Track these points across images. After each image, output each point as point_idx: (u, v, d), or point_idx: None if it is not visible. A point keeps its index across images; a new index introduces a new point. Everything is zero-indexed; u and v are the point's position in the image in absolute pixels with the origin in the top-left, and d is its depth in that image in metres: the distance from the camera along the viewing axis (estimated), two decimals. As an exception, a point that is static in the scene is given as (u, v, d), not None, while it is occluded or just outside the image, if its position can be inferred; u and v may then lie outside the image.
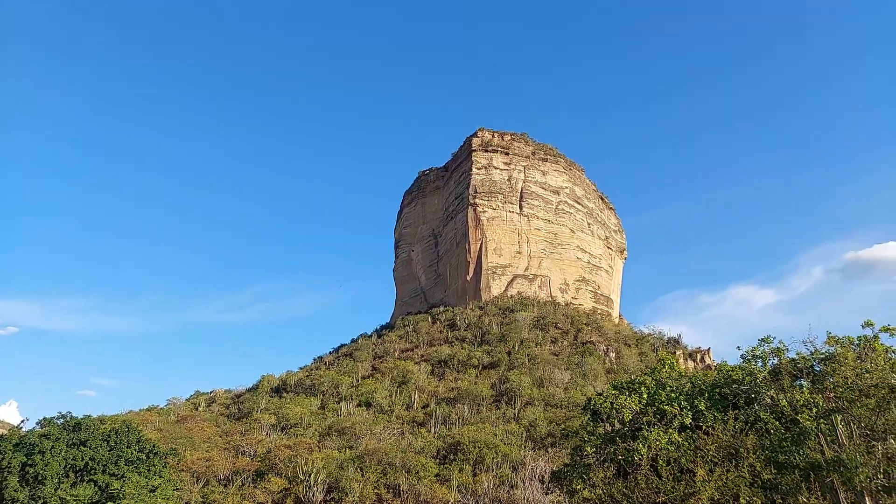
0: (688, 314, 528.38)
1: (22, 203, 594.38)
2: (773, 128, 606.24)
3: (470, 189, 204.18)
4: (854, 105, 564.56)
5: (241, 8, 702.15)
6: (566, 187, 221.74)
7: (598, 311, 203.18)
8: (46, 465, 54.13)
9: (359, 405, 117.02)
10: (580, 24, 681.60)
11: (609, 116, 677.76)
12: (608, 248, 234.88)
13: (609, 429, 35.84)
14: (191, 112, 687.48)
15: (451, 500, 68.68)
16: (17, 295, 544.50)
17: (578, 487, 32.35)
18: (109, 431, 63.03)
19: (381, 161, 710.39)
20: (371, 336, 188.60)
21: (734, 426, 29.14)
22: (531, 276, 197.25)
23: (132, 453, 60.00)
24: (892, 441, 23.42)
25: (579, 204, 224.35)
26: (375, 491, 69.43)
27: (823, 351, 31.26)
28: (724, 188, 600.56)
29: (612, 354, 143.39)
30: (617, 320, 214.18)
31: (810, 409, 28.04)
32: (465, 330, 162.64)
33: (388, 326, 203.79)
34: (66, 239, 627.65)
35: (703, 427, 30.85)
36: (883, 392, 25.37)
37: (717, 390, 33.74)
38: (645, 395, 34.73)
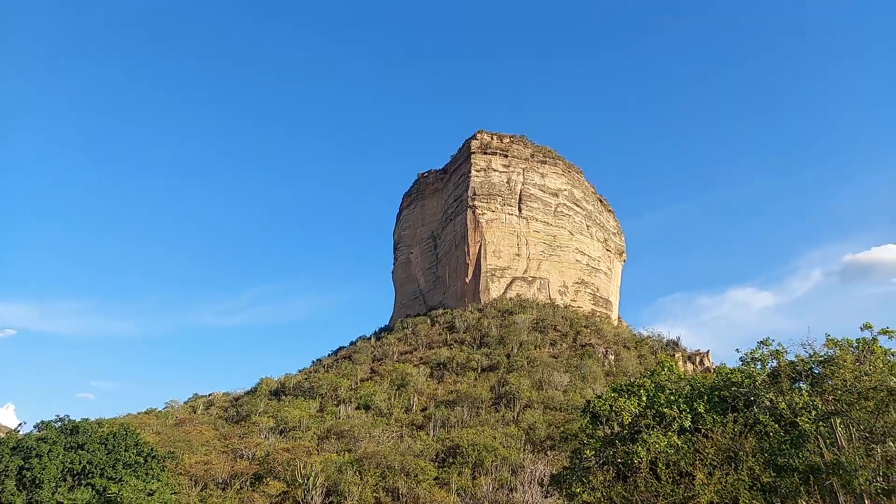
0: (687, 316, 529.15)
1: (20, 205, 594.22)
2: (772, 129, 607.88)
3: (469, 191, 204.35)
4: (853, 106, 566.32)
5: (241, 8, 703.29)
6: (565, 189, 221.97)
7: (597, 314, 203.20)
8: (44, 469, 53.94)
9: (357, 408, 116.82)
10: (579, 25, 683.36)
11: (608, 118, 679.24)
12: (607, 250, 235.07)
13: (608, 432, 35.78)
14: (189, 113, 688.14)
15: (450, 504, 68.54)
16: (15, 297, 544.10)
17: (578, 490, 32.27)
18: (107, 435, 62.82)
19: (379, 163, 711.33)
20: (370, 338, 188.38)
21: (733, 429, 29.09)
22: (530, 279, 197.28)
23: (130, 457, 59.82)
24: (891, 444, 23.37)
25: (578, 206, 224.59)
26: (374, 494, 69.25)
27: (822, 353, 31.23)
28: (722, 190, 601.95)
29: (612, 357, 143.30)
30: (616, 323, 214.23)
31: (809, 412, 27.98)
32: (464, 332, 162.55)
33: (387, 329, 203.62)
34: (65, 241, 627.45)
35: (703, 430, 30.79)
36: (882, 394, 25.34)
37: (717, 393, 33.69)
38: (644, 398, 34.67)
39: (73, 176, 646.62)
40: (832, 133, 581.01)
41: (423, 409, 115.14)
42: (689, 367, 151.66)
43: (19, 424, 72.29)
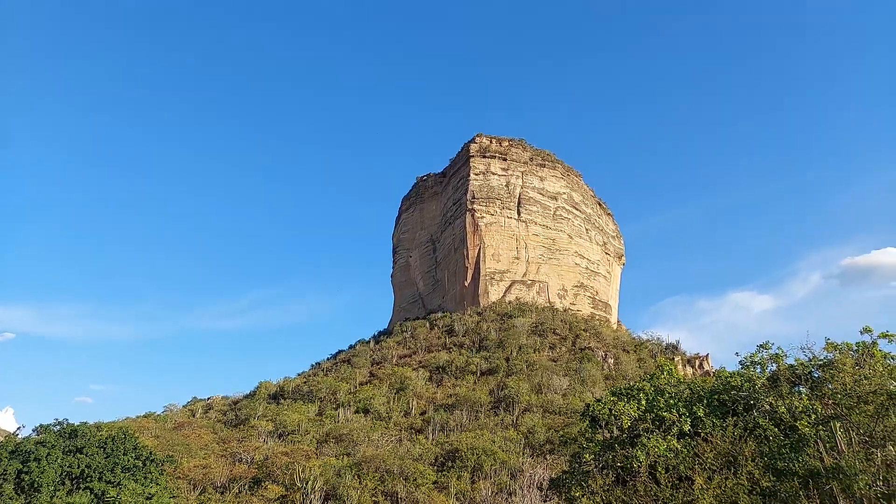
0: (686, 320, 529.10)
1: (19, 208, 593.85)
2: (771, 132, 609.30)
3: (468, 195, 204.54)
4: (852, 109, 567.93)
5: (240, 12, 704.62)
6: (564, 193, 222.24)
7: (597, 317, 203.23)
8: (42, 473, 53.80)
9: (356, 412, 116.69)
10: (578, 29, 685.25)
11: (607, 121, 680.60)
12: (606, 253, 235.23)
13: (607, 435, 35.73)
14: (188, 117, 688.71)
15: (450, 508, 68.40)
16: (13, 300, 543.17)
17: (577, 495, 32.20)
18: (106, 438, 62.68)
19: (379, 167, 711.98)
20: (369, 342, 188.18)
21: (733, 433, 29.07)
22: (529, 282, 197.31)
23: (129, 460, 59.68)
24: (891, 448, 23.35)
25: (577, 209, 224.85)
26: (373, 498, 69.11)
27: (822, 357, 31.22)
28: (721, 193, 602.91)
29: (611, 360, 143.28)
30: (615, 326, 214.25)
31: (809, 416, 27.97)
32: (463, 336, 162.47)
33: (386, 332, 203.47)
34: (64, 244, 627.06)
35: (702, 434, 30.77)
36: (882, 398, 25.34)
37: (716, 397, 33.66)
38: (643, 402, 34.63)
39: (71, 179, 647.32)
40: (831, 136, 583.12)
41: (422, 413, 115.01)
42: (689, 370, 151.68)
43: (18, 428, 72.25)
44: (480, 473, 77.23)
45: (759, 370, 33.18)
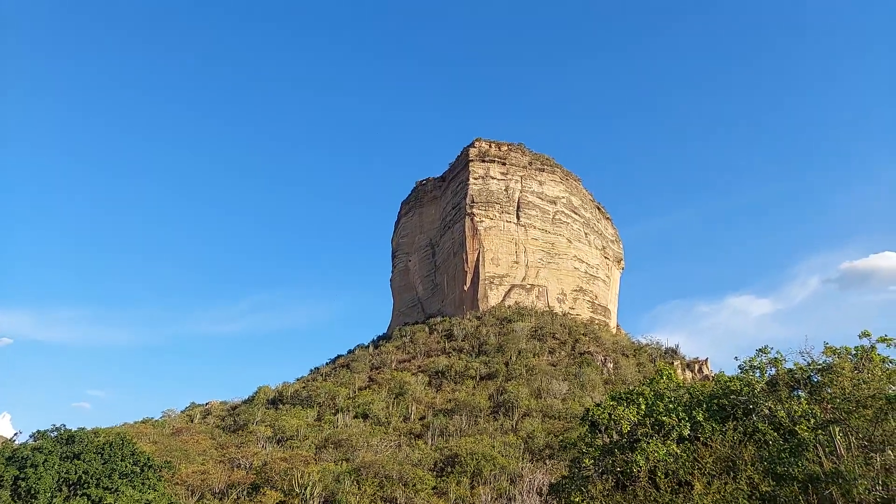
0: (685, 324, 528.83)
1: (17, 212, 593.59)
2: (769, 136, 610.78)
3: (467, 199, 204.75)
4: (849, 112, 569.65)
5: (240, 13, 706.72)
6: (563, 197, 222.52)
7: (596, 321, 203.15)
8: (39, 479, 53.56)
9: (355, 417, 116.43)
10: (576, 32, 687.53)
11: (605, 126, 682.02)
12: (605, 257, 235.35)
13: (607, 440, 35.66)
14: (186, 121, 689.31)
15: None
16: (11, 305, 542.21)
17: (576, 500, 32.12)
18: (103, 444, 62.47)
19: (378, 171, 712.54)
20: (368, 347, 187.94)
21: (732, 437, 29.02)
22: (528, 286, 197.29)
23: (126, 466, 59.45)
24: (890, 452, 23.33)
25: (576, 214, 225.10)
26: (372, 504, 68.93)
27: (821, 362, 31.24)
28: (719, 197, 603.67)
29: (610, 365, 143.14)
30: (614, 330, 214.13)
31: (808, 420, 27.95)
32: (462, 340, 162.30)
33: (385, 337, 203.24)
34: (62, 249, 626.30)
35: (702, 438, 30.70)
36: (880, 403, 25.33)
37: (715, 401, 33.64)
38: (643, 406, 34.60)
39: (70, 184, 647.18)
40: (829, 139, 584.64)
41: (422, 418, 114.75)
42: (688, 375, 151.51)
43: (15, 434, 71.96)
44: (480, 479, 77.01)
45: (758, 374, 33.19)
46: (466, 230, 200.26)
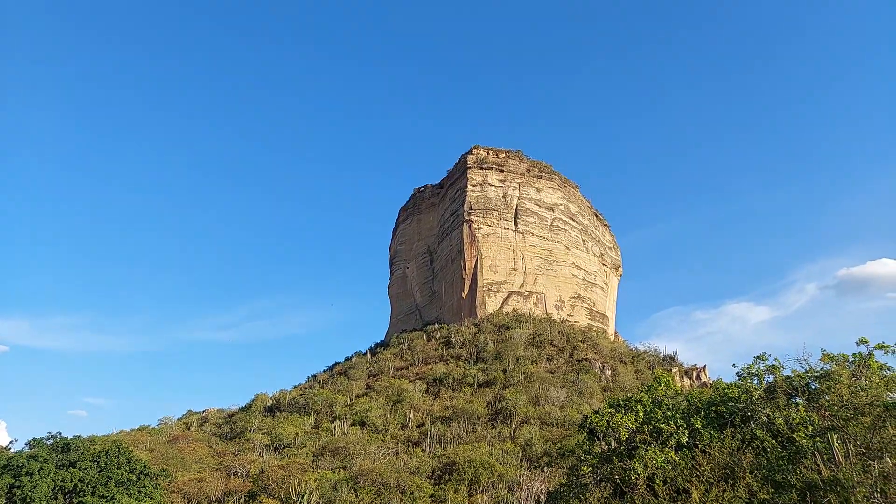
0: (683, 331, 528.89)
1: (12, 219, 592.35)
2: (767, 143, 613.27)
3: (465, 206, 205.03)
4: (847, 120, 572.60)
5: (238, 24, 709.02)
6: (561, 204, 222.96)
7: (594, 329, 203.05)
8: (35, 487, 53.26)
9: (353, 424, 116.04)
10: (574, 40, 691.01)
11: (603, 133, 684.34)
12: (603, 264, 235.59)
13: (605, 448, 35.58)
14: (184, 128, 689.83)
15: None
16: (7, 313, 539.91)
17: (575, 508, 32.00)
18: (99, 452, 62.18)
19: (376, 178, 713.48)
20: (366, 354, 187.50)
21: (730, 445, 28.98)
22: (526, 293, 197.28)
23: (122, 474, 59.16)
24: (888, 459, 23.32)
25: (574, 221, 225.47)
26: (369, 512, 68.60)
27: (818, 369, 31.23)
28: (717, 205, 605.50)
29: (608, 372, 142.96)
30: (612, 337, 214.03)
31: (806, 428, 27.93)
32: (460, 347, 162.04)
33: (383, 344, 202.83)
34: (58, 256, 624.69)
35: (700, 446, 30.66)
36: (878, 410, 25.34)
37: (714, 408, 33.59)
38: (641, 414, 34.55)
39: (66, 191, 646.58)
40: (826, 147, 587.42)
41: (419, 426, 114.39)
42: (686, 382, 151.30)
43: (10, 442, 71.61)
44: (478, 486, 76.70)
45: (756, 382, 33.18)
46: (464, 237, 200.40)
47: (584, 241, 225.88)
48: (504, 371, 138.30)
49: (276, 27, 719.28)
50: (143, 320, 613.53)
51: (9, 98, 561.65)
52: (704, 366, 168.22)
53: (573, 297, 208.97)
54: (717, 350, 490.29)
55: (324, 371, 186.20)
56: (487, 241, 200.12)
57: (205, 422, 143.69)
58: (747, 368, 33.74)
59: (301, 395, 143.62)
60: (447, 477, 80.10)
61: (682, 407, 34.79)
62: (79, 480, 56.46)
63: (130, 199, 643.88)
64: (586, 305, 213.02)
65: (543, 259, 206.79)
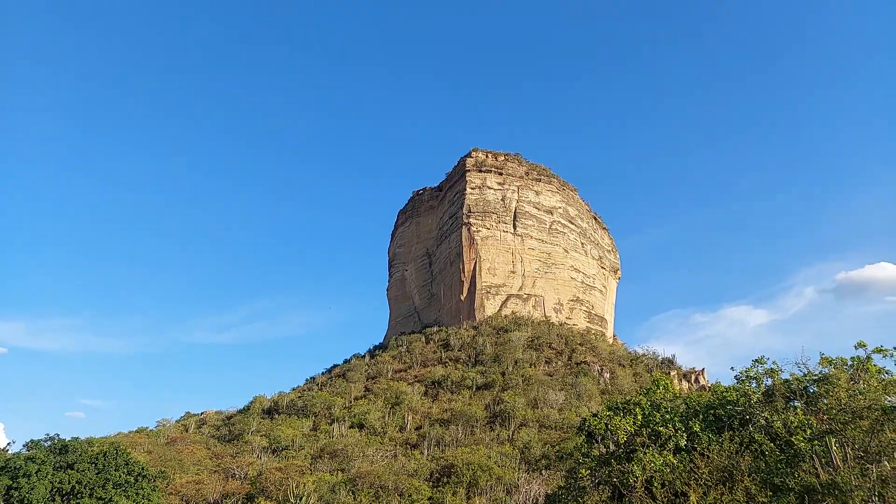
0: (682, 334, 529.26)
1: (10, 221, 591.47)
2: (766, 147, 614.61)
3: (464, 209, 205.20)
4: (846, 123, 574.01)
5: (239, 25, 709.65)
6: (559, 207, 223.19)
7: (593, 332, 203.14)
8: (32, 489, 53.15)
9: (351, 427, 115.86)
10: (574, 44, 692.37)
11: (602, 136, 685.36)
12: (602, 267, 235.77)
13: (603, 451, 35.58)
14: (183, 129, 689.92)
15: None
16: (4, 314, 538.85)
17: (573, 511, 32.00)
18: (97, 454, 62.07)
19: (375, 180, 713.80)
20: (364, 356, 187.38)
21: (729, 448, 29.01)
22: (525, 296, 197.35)
23: (120, 476, 59.05)
24: (886, 463, 23.38)
25: (573, 224, 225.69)
26: (368, 514, 68.46)
27: (817, 372, 31.28)
28: (716, 208, 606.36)
29: (607, 375, 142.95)
30: (611, 340, 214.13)
31: (804, 431, 27.98)
32: (458, 350, 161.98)
33: (382, 347, 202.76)
34: (56, 257, 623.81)
35: (698, 449, 30.69)
36: (876, 414, 25.40)
37: (712, 411, 33.62)
38: (640, 417, 34.56)
39: (65, 191, 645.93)
40: (825, 150, 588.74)
41: (418, 428, 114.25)
42: (685, 385, 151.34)
43: (8, 443, 71.39)
44: (476, 489, 76.58)
45: (754, 385, 33.22)
46: (463, 240, 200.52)
47: (582, 244, 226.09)
48: (502, 374, 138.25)
49: (276, 29, 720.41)
50: (142, 322, 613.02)
51: (9, 98, 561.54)
52: (703, 369, 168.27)
53: (572, 300, 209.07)
54: (716, 353, 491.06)
55: (322, 373, 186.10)
56: (486, 244, 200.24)
57: (203, 424, 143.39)
58: (746, 372, 33.78)
59: (299, 397, 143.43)
60: (445, 479, 79.96)
61: (681, 410, 34.81)
62: (76, 482, 56.34)
63: (130, 199, 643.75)
64: (585, 308, 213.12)
65: (542, 262, 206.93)
